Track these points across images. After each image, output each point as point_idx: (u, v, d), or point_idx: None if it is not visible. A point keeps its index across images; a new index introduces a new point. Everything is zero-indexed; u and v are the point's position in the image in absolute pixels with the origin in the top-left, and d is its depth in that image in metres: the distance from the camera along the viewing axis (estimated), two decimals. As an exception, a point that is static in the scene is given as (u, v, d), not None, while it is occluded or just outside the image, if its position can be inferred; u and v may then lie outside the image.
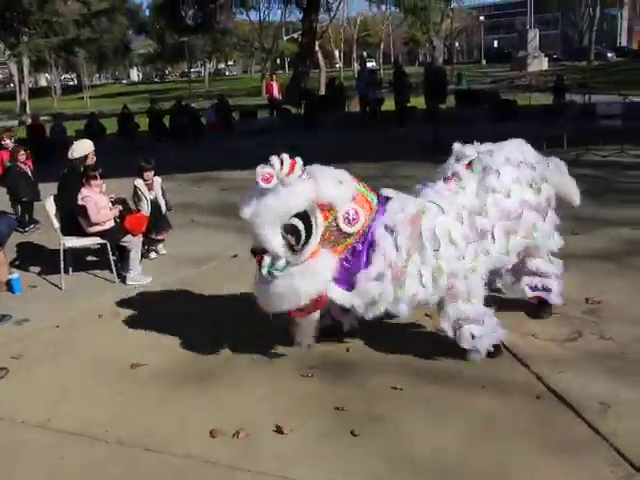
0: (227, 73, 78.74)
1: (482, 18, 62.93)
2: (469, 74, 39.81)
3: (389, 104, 17.57)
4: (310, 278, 3.54)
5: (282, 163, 3.51)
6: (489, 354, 3.78)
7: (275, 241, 3.52)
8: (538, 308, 4.39)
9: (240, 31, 53.76)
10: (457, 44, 69.19)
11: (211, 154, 13.98)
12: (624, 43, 68.00)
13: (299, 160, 3.59)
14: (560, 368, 3.68)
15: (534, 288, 4.32)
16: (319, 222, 3.54)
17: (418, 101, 17.85)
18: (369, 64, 36.58)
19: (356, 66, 45.25)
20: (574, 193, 4.43)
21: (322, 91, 26.08)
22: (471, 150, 4.07)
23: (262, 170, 3.50)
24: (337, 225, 3.57)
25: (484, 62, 63.76)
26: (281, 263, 3.56)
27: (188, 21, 32.08)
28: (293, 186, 3.50)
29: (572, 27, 63.95)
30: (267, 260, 3.58)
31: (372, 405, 3.45)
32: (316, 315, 3.83)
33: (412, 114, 16.91)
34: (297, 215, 3.53)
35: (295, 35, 44.62)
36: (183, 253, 6.45)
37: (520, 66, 44.45)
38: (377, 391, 3.58)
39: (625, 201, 7.49)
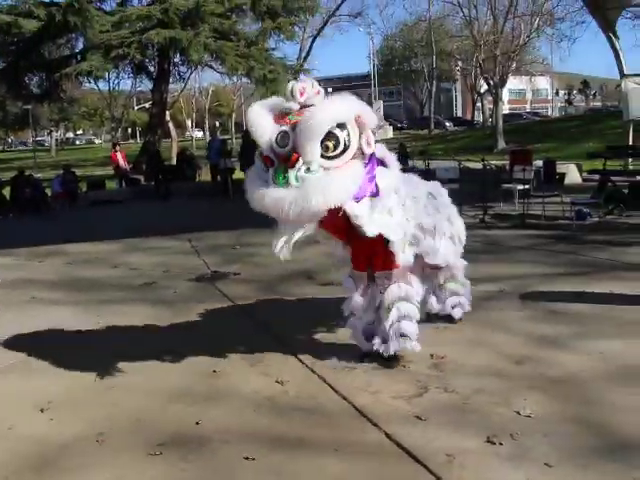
0: (77, 142, 76.54)
1: (330, 90, 66.06)
2: (320, 142, 41.18)
3: (241, 173, 17.78)
4: (341, 181, 3.71)
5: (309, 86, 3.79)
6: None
7: (317, 146, 3.64)
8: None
9: (89, 100, 52.75)
10: (307, 114, 71.70)
11: (56, 227, 13.36)
12: (459, 114, 73.98)
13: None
14: (408, 424, 3.77)
15: None
16: (356, 134, 3.81)
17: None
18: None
19: (207, 135, 45.69)
20: None
21: (173, 161, 25.97)
22: None
23: (298, 85, 3.77)
24: (360, 145, 3.87)
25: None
26: (315, 166, 3.64)
27: (32, 89, 30.85)
28: (341, 98, 3.80)
29: (414, 99, 68.67)
30: (301, 162, 3.63)
31: (223, 479, 3.33)
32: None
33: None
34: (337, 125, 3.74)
35: (146, 105, 44.34)
36: (19, 333, 5.97)
37: (367, 135, 46.73)
38: (229, 463, 3.46)
39: (465, 259, 7.94)
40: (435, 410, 3.94)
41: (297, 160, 3.62)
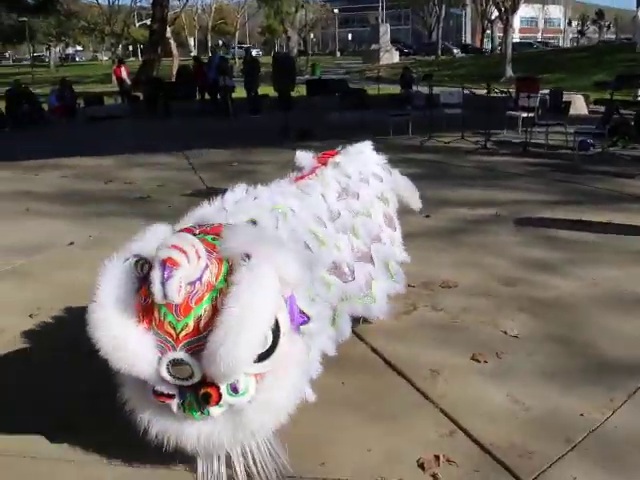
0: (77, 59, 75.03)
1: (336, 11, 64.23)
2: (324, 65, 40.45)
3: (242, 92, 17.54)
4: (285, 386, 2.46)
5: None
6: None
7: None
8: None
9: (88, 14, 51.27)
10: (312, 36, 70.26)
11: (52, 140, 13.21)
12: (468, 40, 72.23)
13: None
14: (395, 340, 3.78)
15: None
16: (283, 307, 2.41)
17: (269, 89, 18.01)
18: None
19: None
20: (415, 200, 4.39)
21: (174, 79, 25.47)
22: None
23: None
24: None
25: (339, 54, 65.20)
26: (242, 385, 2.32)
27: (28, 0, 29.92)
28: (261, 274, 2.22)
29: (422, 23, 66.90)
30: (223, 389, 2.30)
31: None
32: None
33: (264, 101, 16.99)
34: None
35: (148, 21, 43.17)
36: (14, 243, 5.98)
37: (372, 59, 45.89)
38: None
39: (463, 184, 7.90)
40: (422, 327, 3.96)
41: (220, 397, 2.29)
